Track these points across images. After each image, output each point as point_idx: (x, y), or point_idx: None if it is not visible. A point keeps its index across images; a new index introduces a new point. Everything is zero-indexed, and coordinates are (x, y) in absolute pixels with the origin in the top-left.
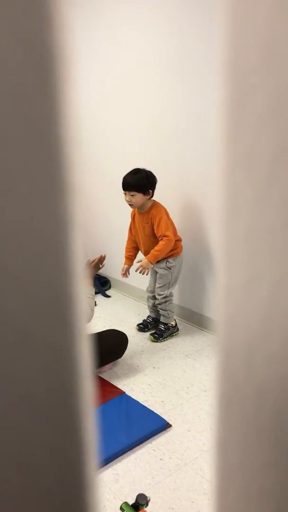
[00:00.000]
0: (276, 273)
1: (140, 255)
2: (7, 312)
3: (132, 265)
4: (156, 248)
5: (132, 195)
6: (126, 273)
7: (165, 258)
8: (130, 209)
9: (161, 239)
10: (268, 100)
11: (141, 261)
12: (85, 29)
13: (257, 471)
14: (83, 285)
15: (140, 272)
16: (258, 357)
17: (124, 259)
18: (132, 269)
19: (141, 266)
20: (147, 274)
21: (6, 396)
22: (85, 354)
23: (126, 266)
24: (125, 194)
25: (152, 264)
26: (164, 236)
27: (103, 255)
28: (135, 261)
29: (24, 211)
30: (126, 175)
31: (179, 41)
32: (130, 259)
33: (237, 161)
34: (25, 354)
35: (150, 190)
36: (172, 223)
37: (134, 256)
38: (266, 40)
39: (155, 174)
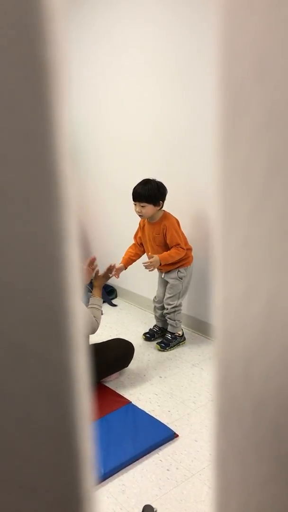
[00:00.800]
0: (273, 284)
1: (138, 264)
2: (2, 326)
3: (126, 268)
4: (170, 252)
5: (142, 206)
6: (119, 273)
7: (176, 268)
8: (136, 219)
9: (175, 248)
10: (262, 113)
11: (152, 257)
12: (87, 41)
13: (256, 486)
14: (79, 299)
15: (146, 267)
16: (255, 369)
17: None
18: (139, 278)
19: (151, 262)
20: (150, 271)
21: (0, 409)
22: (82, 367)
23: (121, 265)
24: (135, 204)
25: (161, 263)
26: (178, 245)
27: (112, 265)
28: (146, 257)
29: (18, 225)
30: (136, 185)
31: (180, 49)
32: (128, 262)
33: (232, 174)
34: (19, 367)
35: (161, 201)
36: (182, 233)
37: (133, 261)
38: (259, 54)
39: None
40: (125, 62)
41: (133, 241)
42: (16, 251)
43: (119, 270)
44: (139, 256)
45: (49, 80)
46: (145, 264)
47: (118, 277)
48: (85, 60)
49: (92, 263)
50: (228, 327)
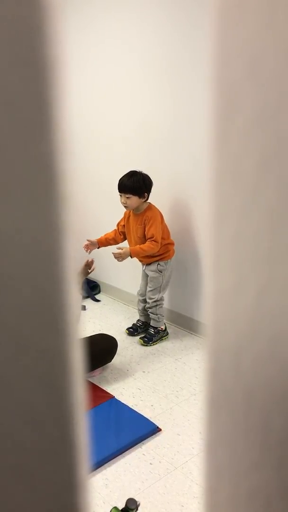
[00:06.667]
0: (262, 279)
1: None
2: (0, 318)
3: (99, 247)
4: (142, 246)
5: (127, 198)
6: (91, 248)
7: (156, 261)
8: (121, 213)
9: (149, 241)
10: (254, 111)
11: (122, 248)
12: (74, 35)
13: (245, 472)
14: (75, 291)
15: (114, 257)
16: (245, 360)
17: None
18: (122, 274)
19: (120, 252)
20: (119, 261)
21: None
22: (77, 359)
23: (95, 240)
24: (120, 195)
25: (131, 256)
26: (153, 240)
27: (89, 260)
28: (116, 247)
29: (16, 218)
30: (122, 177)
31: (167, 46)
32: (103, 241)
33: (224, 171)
34: (17, 358)
35: (146, 194)
36: (165, 227)
37: (108, 243)
38: (252, 53)
39: None
40: (111, 57)
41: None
42: (13, 242)
43: (93, 245)
44: (116, 243)
45: (49, 76)
46: (114, 253)
47: (89, 252)
48: (70, 54)
49: (89, 266)
50: (218, 319)
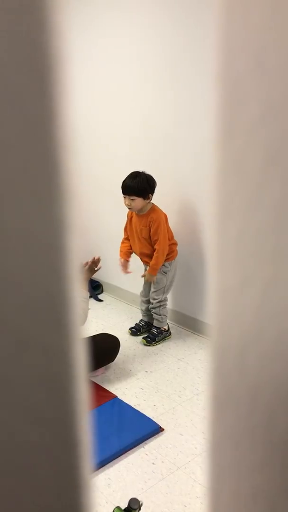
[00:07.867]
0: (267, 276)
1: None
2: (3, 315)
3: (129, 260)
4: (153, 262)
5: (132, 199)
6: (126, 267)
7: None
8: (123, 213)
9: (154, 250)
10: (259, 108)
11: (144, 276)
12: (77, 33)
13: (249, 471)
14: (78, 289)
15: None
16: (250, 359)
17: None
18: (126, 274)
19: (147, 279)
20: (154, 283)
21: (1, 398)
22: (80, 357)
23: (124, 260)
24: (124, 198)
25: (154, 275)
26: (159, 245)
27: (96, 257)
28: (140, 275)
29: (20, 215)
30: (125, 178)
31: (169, 45)
32: (128, 254)
33: (229, 167)
34: (20, 356)
35: (150, 194)
36: (169, 227)
37: (131, 253)
38: (258, 49)
39: None
40: (114, 56)
41: (123, 235)
42: (17, 241)
43: (125, 265)
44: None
45: (52, 74)
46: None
47: (127, 272)
48: (72, 53)
49: (96, 263)
50: (223, 318)
